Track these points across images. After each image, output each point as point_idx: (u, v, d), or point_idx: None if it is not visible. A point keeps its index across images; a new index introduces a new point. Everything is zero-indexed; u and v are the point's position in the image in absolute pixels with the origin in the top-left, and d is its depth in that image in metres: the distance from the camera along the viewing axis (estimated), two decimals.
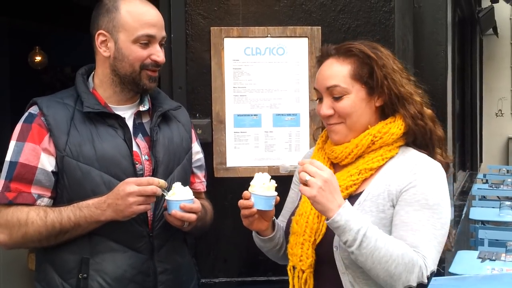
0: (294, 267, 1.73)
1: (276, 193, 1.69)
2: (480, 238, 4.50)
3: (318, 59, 1.82)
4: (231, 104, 2.58)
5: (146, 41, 1.80)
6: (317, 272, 1.70)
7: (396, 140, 1.74)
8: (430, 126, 1.76)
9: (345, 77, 1.72)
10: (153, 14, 1.83)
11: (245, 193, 1.70)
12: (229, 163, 2.59)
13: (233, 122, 2.59)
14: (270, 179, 1.69)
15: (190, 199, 1.78)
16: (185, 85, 2.56)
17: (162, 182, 1.75)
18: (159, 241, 1.85)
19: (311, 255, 1.69)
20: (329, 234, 1.66)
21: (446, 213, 1.66)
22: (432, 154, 1.76)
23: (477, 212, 5.46)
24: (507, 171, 8.43)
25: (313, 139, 2.02)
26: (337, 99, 1.72)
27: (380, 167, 1.72)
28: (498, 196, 7.08)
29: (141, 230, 1.81)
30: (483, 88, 10.23)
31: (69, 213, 1.73)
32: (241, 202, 1.71)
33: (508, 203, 5.38)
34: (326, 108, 1.74)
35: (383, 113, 1.77)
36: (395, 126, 1.73)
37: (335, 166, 1.79)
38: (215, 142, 2.57)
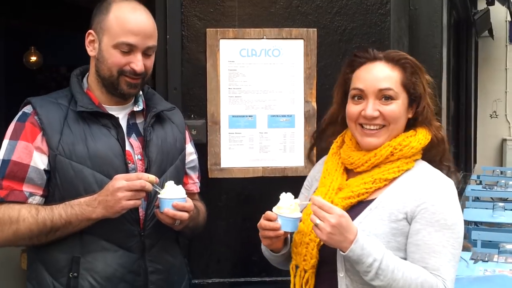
0: (296, 266, 1.74)
1: (301, 214, 1.68)
2: (473, 239, 4.50)
3: (357, 60, 1.81)
4: (226, 105, 2.59)
5: (126, 49, 1.80)
6: (319, 273, 1.72)
7: (415, 154, 1.76)
8: (446, 146, 1.82)
9: (397, 82, 1.74)
10: (139, 23, 1.81)
11: (270, 214, 1.66)
12: (224, 164, 2.59)
13: (228, 123, 2.60)
14: (294, 197, 1.69)
15: (183, 197, 1.78)
16: (180, 86, 2.57)
17: (152, 177, 1.75)
18: (150, 240, 1.86)
19: (315, 255, 1.69)
20: None
21: (462, 231, 1.70)
22: (445, 171, 1.79)
23: (470, 213, 5.47)
24: (501, 173, 8.45)
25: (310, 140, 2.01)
26: (386, 103, 1.73)
27: (394, 178, 1.73)
28: (491, 197, 7.11)
29: (133, 229, 1.82)
30: (478, 90, 10.25)
31: (60, 211, 1.74)
32: (266, 224, 1.66)
33: (501, 204, 5.40)
34: (373, 109, 1.72)
35: (407, 126, 1.80)
36: (416, 140, 1.75)
37: (349, 172, 1.81)
38: (210, 143, 2.58)
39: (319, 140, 1.99)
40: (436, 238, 1.64)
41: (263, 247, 1.84)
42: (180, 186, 1.80)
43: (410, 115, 1.78)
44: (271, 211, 1.67)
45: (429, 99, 1.79)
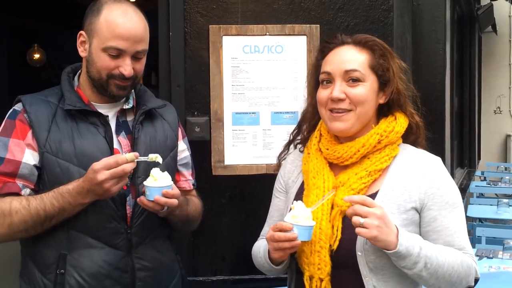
0: (311, 277, 1.67)
1: (314, 221, 1.61)
2: (478, 236, 4.50)
3: (327, 46, 1.79)
4: (229, 102, 2.58)
5: (115, 53, 1.80)
6: (334, 278, 1.66)
7: (398, 139, 1.76)
8: (423, 132, 1.82)
9: (364, 64, 1.72)
10: (128, 28, 1.80)
11: (285, 224, 1.58)
12: (227, 161, 2.59)
13: (231, 120, 2.59)
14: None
15: (170, 184, 1.78)
16: (184, 83, 2.57)
17: (129, 156, 1.74)
18: (137, 238, 1.87)
19: (329, 262, 1.64)
20: (346, 239, 1.63)
21: (462, 202, 1.74)
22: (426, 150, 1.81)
23: (474, 210, 5.47)
24: (505, 169, 8.44)
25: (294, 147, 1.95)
26: (353, 85, 1.70)
27: (387, 166, 1.72)
28: (496, 194, 7.10)
29: (119, 226, 1.83)
30: (482, 85, 10.21)
31: (51, 200, 1.74)
32: (281, 236, 1.58)
33: (506, 200, 5.38)
34: (339, 91, 1.69)
35: (380, 111, 1.78)
36: (399, 125, 1.74)
37: (332, 166, 1.77)
38: (213, 140, 2.57)
39: (297, 136, 1.94)
40: (451, 219, 1.67)
41: (260, 259, 1.79)
42: (166, 172, 1.80)
43: (382, 101, 1.76)
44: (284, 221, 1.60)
45: (400, 84, 1.76)
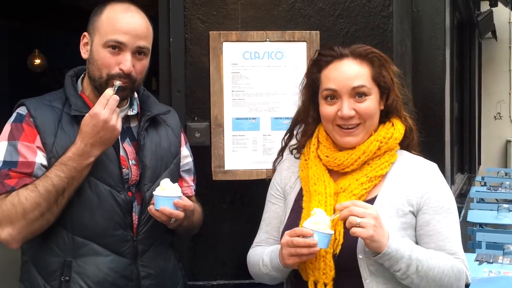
0: (315, 282, 1.68)
1: (333, 231, 1.61)
2: (478, 241, 4.50)
3: (322, 59, 1.78)
4: (229, 108, 2.59)
5: (115, 46, 1.78)
6: (336, 282, 1.67)
7: (396, 145, 1.78)
8: (416, 135, 1.84)
9: (368, 78, 1.73)
10: (129, 22, 1.79)
11: (306, 230, 1.57)
12: (227, 166, 2.59)
13: (232, 126, 2.60)
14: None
15: (179, 196, 1.78)
16: (184, 89, 2.57)
17: (109, 90, 1.74)
18: (143, 246, 1.86)
19: (333, 267, 1.65)
20: (347, 243, 1.64)
21: (456, 208, 1.76)
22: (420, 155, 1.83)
23: (475, 215, 5.47)
24: (506, 174, 8.44)
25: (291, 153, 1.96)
26: (360, 100, 1.71)
27: (386, 172, 1.74)
28: (496, 199, 7.10)
29: (125, 234, 1.82)
30: (482, 91, 10.23)
31: (56, 173, 1.70)
32: (300, 241, 1.57)
33: (506, 205, 5.38)
34: (349, 108, 1.70)
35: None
36: (397, 131, 1.77)
37: (332, 173, 1.78)
38: (214, 145, 2.58)
39: (289, 141, 1.95)
40: (444, 224, 1.68)
41: (263, 268, 1.78)
42: (176, 184, 1.79)
43: (382, 107, 1.78)
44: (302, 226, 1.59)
45: (397, 90, 1.79)
